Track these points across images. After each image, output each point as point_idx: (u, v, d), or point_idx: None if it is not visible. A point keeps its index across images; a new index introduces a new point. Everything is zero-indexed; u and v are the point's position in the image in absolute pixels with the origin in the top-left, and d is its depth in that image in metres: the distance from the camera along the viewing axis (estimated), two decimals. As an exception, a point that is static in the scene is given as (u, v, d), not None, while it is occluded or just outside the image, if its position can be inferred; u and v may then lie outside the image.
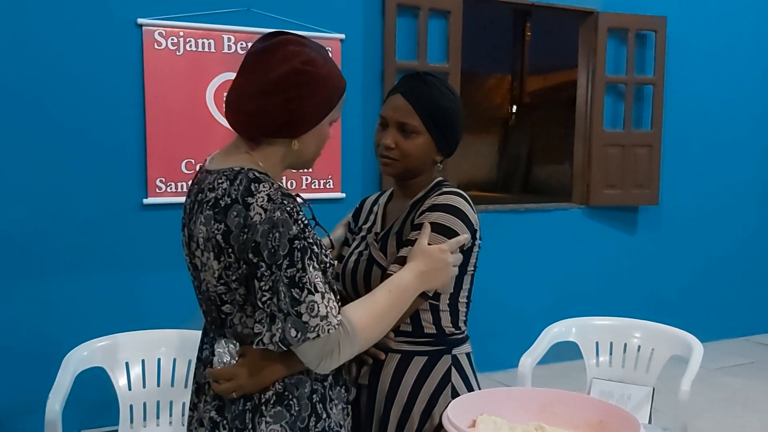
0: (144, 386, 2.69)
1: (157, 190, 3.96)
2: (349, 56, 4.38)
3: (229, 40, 4.06)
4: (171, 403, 2.73)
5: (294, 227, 1.37)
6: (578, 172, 5.50)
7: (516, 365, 2.94)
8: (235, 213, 1.38)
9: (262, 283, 1.36)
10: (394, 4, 4.51)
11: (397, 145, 1.71)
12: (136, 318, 3.62)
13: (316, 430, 1.48)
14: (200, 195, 1.47)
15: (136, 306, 3.92)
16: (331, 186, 4.44)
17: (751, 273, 6.12)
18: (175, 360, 2.74)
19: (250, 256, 1.37)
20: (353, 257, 1.80)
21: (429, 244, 1.59)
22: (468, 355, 1.78)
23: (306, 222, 1.42)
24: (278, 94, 1.42)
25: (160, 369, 2.73)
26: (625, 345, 3.08)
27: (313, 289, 1.36)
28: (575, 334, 3.13)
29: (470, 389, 1.73)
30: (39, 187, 3.73)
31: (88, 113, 3.81)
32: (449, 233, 1.63)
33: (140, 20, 3.86)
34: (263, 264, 1.36)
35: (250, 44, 4.04)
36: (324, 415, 1.50)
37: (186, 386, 2.70)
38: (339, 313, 1.40)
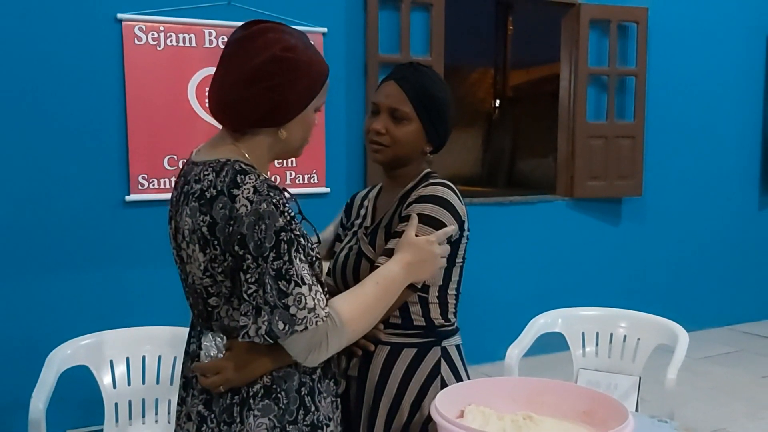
0: (129, 384, 2.66)
1: (140, 187, 3.93)
2: (331, 50, 4.36)
3: (210, 34, 4.03)
4: (156, 401, 2.71)
5: (280, 219, 1.36)
6: (562, 164, 5.52)
7: (502, 357, 2.94)
8: (220, 205, 1.36)
9: (248, 276, 1.35)
10: (376, -3, 4.50)
11: (388, 131, 1.70)
12: (119, 315, 3.60)
13: (305, 423, 1.47)
14: (186, 187, 1.45)
15: (119, 303, 3.88)
16: (316, 181, 4.42)
17: (735, 262, 6.17)
18: (160, 357, 2.71)
19: (236, 248, 1.35)
20: (343, 252, 1.79)
21: (416, 236, 1.59)
22: (458, 347, 1.77)
23: (293, 214, 1.41)
24: (260, 83, 1.40)
25: (145, 367, 2.70)
26: (611, 335, 3.08)
27: (300, 281, 1.35)
28: (561, 324, 3.13)
29: (460, 381, 1.73)
30: (20, 184, 3.68)
31: (69, 110, 3.77)
32: (436, 224, 1.62)
33: (120, 15, 3.82)
34: (249, 256, 1.35)
35: (231, 38, 4.04)
36: (312, 408, 1.48)
37: (172, 384, 2.68)
38: (327, 305, 1.39)
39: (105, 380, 2.62)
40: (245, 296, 1.37)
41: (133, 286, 3.94)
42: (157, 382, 2.70)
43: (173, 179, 3.97)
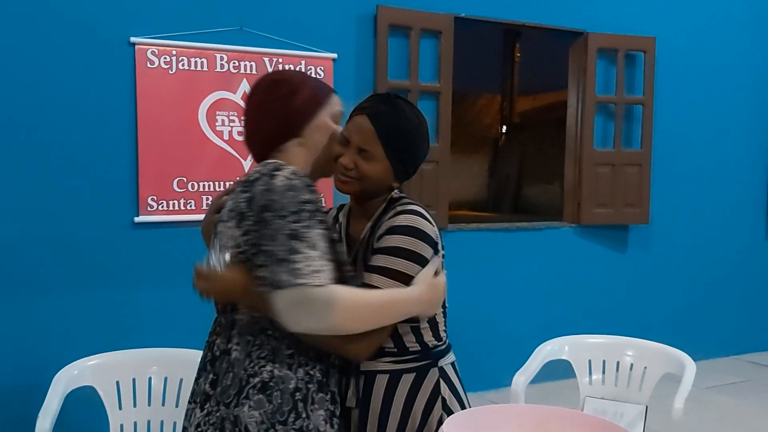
0: (135, 406, 2.66)
1: (149, 209, 3.95)
2: (341, 75, 4.40)
3: (221, 58, 4.07)
4: (162, 423, 2.70)
5: (309, 195, 1.48)
6: (569, 191, 5.53)
7: (508, 384, 2.92)
8: (261, 183, 1.50)
9: (266, 231, 1.46)
10: (386, 24, 4.54)
11: (356, 166, 1.71)
12: (127, 336, 3.60)
13: (294, 427, 1.52)
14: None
15: (127, 324, 3.89)
16: (323, 204, 4.42)
17: (742, 291, 6.14)
18: (166, 379, 2.71)
19: (265, 214, 1.47)
20: None
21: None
22: (453, 364, 1.80)
23: (322, 206, 1.53)
24: (266, 105, 1.62)
25: (150, 388, 2.70)
26: (618, 363, 3.07)
27: (312, 246, 1.45)
28: (568, 352, 3.12)
29: (459, 399, 1.76)
30: (30, 204, 3.71)
31: (81, 131, 3.80)
32: (414, 257, 1.65)
33: (133, 39, 3.86)
34: (271, 216, 1.46)
35: (242, 63, 4.09)
36: (303, 415, 1.54)
37: (177, 406, 2.67)
38: (329, 282, 1.47)
39: (111, 401, 2.62)
40: (261, 251, 1.47)
41: (141, 307, 3.95)
42: (163, 404, 2.70)
43: (182, 201, 4.01)
